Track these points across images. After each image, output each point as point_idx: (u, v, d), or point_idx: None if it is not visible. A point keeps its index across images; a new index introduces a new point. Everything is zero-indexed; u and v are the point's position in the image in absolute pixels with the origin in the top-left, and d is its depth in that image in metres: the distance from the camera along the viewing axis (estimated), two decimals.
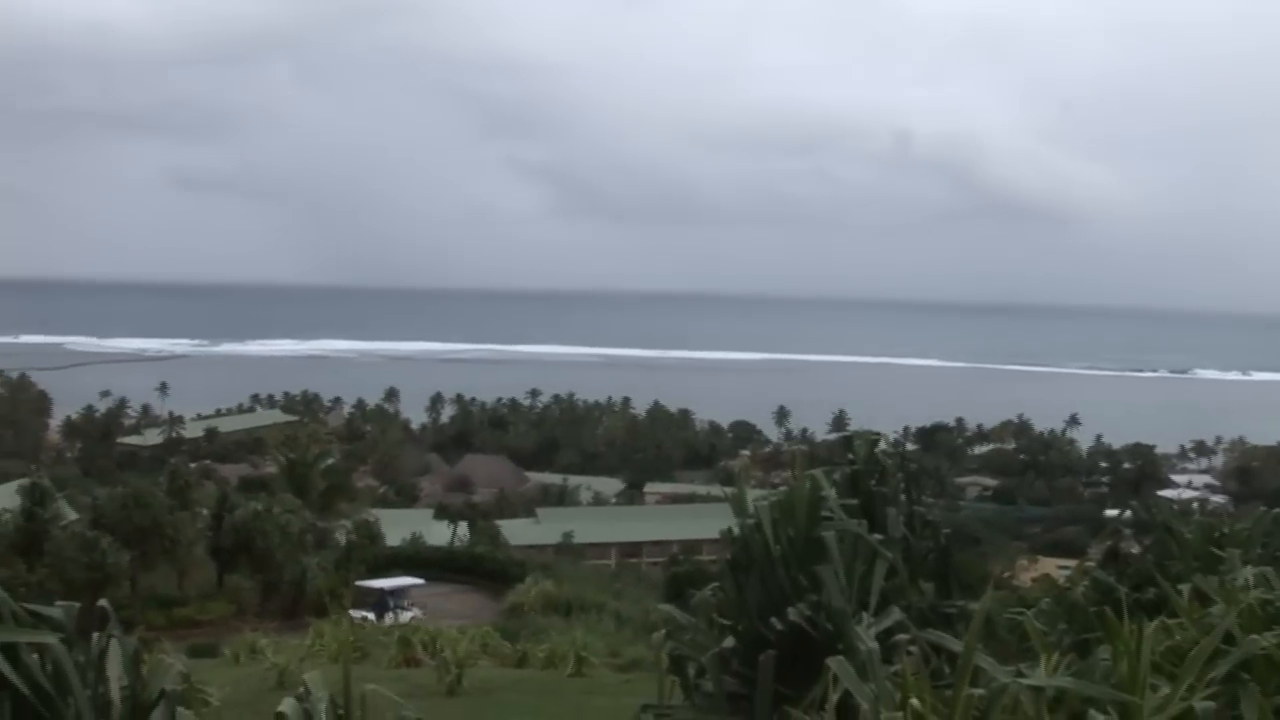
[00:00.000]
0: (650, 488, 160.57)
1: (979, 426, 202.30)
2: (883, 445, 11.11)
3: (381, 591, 62.36)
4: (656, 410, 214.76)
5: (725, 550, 10.27)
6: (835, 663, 7.29)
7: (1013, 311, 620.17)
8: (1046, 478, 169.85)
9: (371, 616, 57.32)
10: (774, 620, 8.70)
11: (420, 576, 68.55)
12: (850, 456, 10.87)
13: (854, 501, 9.90)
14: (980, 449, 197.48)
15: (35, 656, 6.04)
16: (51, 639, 6.07)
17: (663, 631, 9.93)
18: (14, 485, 70.81)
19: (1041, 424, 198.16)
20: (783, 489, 9.70)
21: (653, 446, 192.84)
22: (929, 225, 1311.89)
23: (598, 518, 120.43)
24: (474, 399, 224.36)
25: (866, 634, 7.96)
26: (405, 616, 57.28)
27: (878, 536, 9.34)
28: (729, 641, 9.20)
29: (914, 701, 6.86)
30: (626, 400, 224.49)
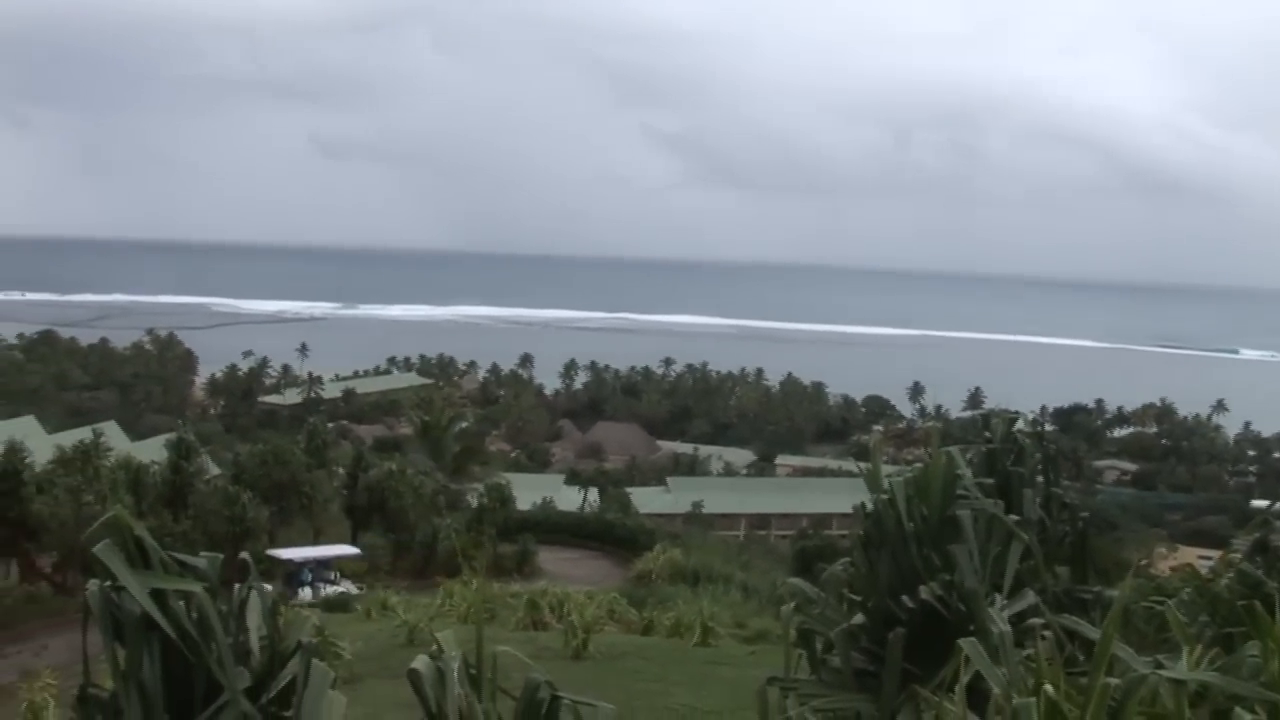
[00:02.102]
0: (781, 460, 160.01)
1: (1119, 409, 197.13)
2: (1020, 425, 10.90)
3: (291, 564, 55.94)
4: (790, 382, 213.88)
5: (856, 525, 10.16)
6: (967, 644, 7.18)
7: (1160, 291, 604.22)
8: (1189, 464, 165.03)
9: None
10: (905, 598, 8.60)
11: (547, 541, 68.67)
12: (987, 435, 10.68)
13: (990, 481, 9.74)
14: (1120, 432, 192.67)
15: (182, 603, 6.22)
16: (197, 588, 6.25)
17: (791, 605, 9.88)
18: (161, 439, 73.03)
19: (1186, 409, 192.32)
20: (917, 466, 9.54)
21: (785, 419, 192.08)
22: (1074, 201, 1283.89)
23: (727, 488, 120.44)
24: (607, 366, 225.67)
25: (999, 616, 7.83)
26: (333, 591, 54.26)
27: (1013, 517, 9.17)
28: (858, 618, 9.12)
29: (1047, 688, 6.70)
30: (760, 372, 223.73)
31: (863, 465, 10.07)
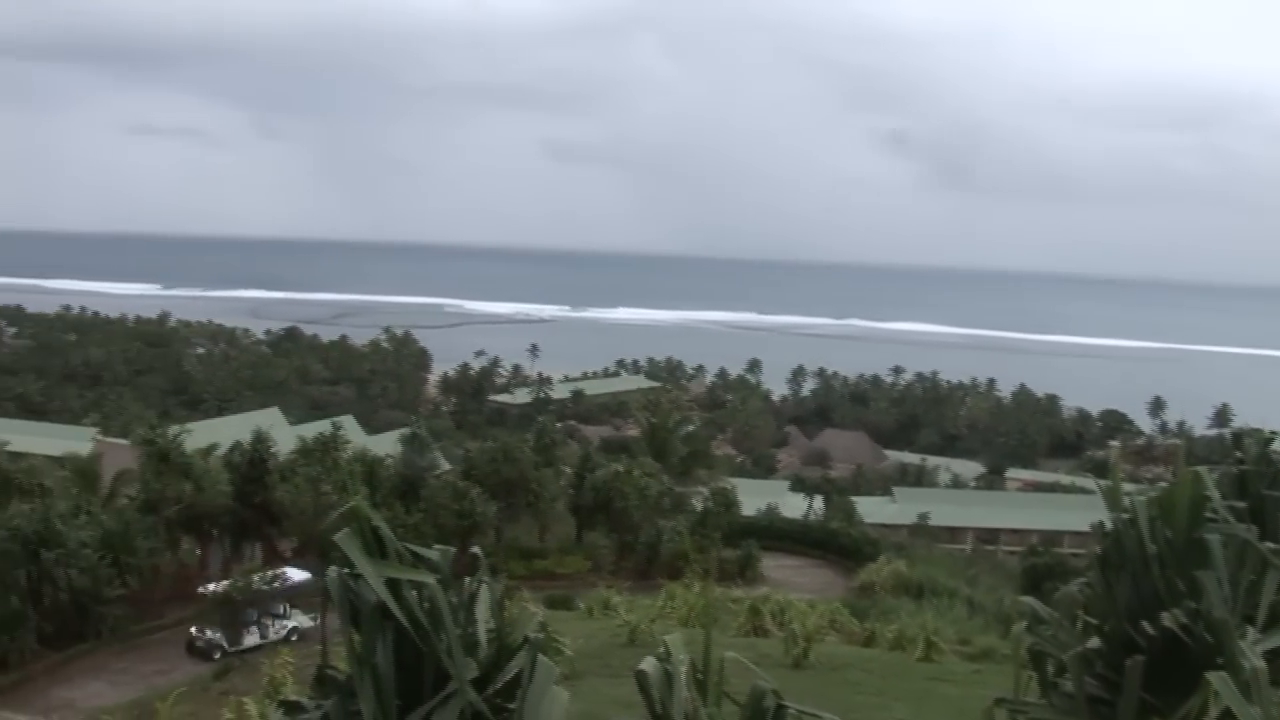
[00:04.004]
0: (1011, 473, 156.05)
1: None
2: (1277, 445, 10.30)
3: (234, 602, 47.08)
4: (1022, 394, 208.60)
5: (1093, 544, 9.76)
6: (1216, 678, 6.80)
7: None
8: None
9: (211, 637, 46.09)
10: (1145, 624, 8.20)
11: (770, 548, 68.18)
12: (1238, 455, 10.13)
13: (1242, 504, 9.23)
14: None
15: (414, 593, 6.38)
16: (430, 579, 6.40)
17: (1022, 624, 9.56)
18: (396, 434, 75.46)
19: None
20: (1160, 485, 9.10)
21: (1016, 431, 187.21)
22: None
23: (955, 500, 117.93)
24: (835, 373, 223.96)
25: (1252, 650, 7.39)
26: (283, 628, 47.90)
27: (1269, 545, 8.65)
28: (1094, 641, 8.74)
29: None
30: (991, 382, 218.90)
31: (1101, 482, 9.66)
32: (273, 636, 46.72)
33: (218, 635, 46.19)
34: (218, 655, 45.23)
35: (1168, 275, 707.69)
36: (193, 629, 46.81)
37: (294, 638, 46.91)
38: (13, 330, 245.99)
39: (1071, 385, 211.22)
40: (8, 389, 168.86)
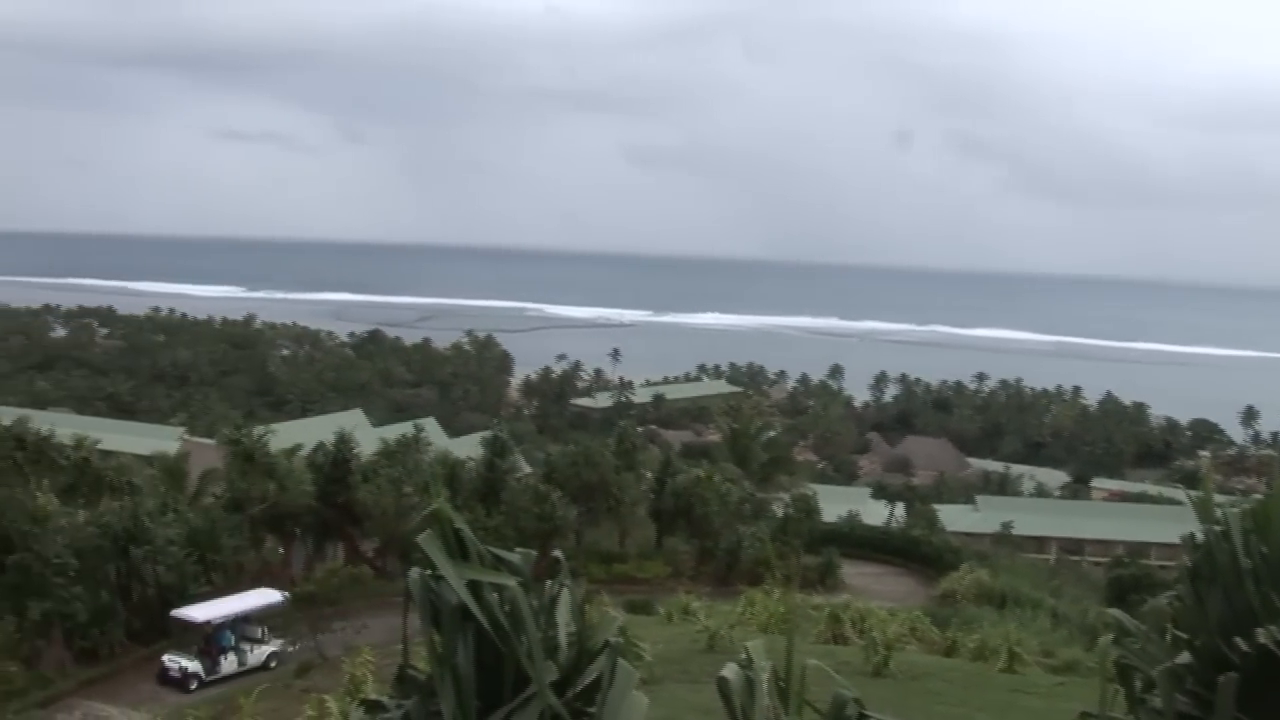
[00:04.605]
0: (1097, 483, 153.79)
1: None
2: None
3: (209, 626, 44.09)
4: (1109, 402, 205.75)
5: (1181, 557, 9.56)
6: None
7: None
8: None
9: (186, 666, 42.98)
10: (1239, 640, 8.01)
11: (850, 555, 67.77)
12: None
13: None
14: None
15: (495, 595, 6.40)
16: (511, 582, 6.41)
17: (1109, 637, 9.38)
18: (477, 436, 76.06)
19: None
20: (1255, 496, 8.88)
21: (1102, 440, 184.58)
22: None
23: (1039, 510, 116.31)
24: (918, 380, 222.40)
25: None
26: (260, 655, 45.51)
27: None
28: (1184, 657, 8.54)
29: None
30: (1077, 390, 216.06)
31: (1191, 493, 9.46)
32: (251, 663, 44.70)
33: (194, 664, 43.24)
34: (194, 686, 42.52)
35: (1258, 281, 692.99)
36: (164, 658, 43.55)
37: (273, 664, 45.08)
38: (104, 331, 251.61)
39: (1159, 393, 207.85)
40: (99, 389, 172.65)
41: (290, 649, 45.83)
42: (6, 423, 57.01)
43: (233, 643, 44.99)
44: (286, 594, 47.88)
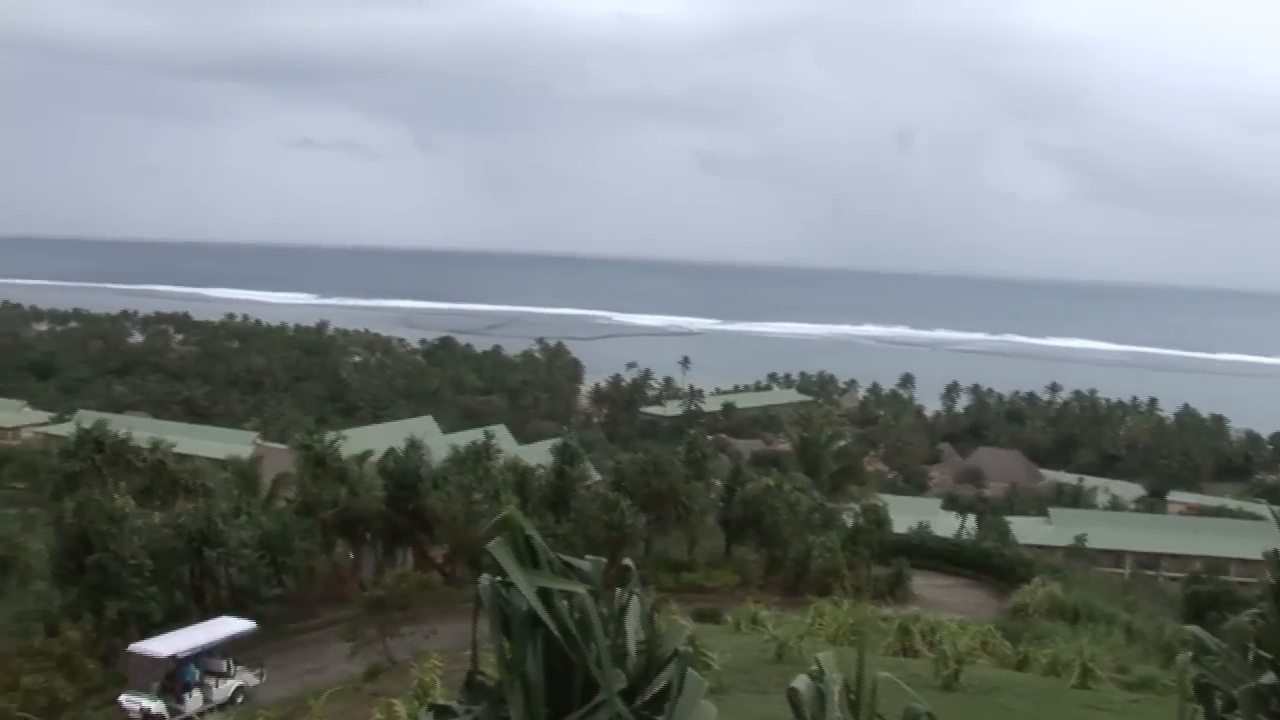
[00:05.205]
0: (1173, 496, 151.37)
1: None
2: None
3: (172, 662, 40.82)
4: (1186, 414, 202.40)
5: (1263, 573, 9.36)
6: None
7: None
8: None
9: (148, 707, 39.42)
10: None
11: (921, 566, 67.12)
12: None
13: None
14: None
15: (565, 602, 6.38)
16: (581, 589, 6.39)
17: (1188, 654, 9.20)
18: (547, 444, 76.25)
19: None
20: None
21: (1179, 453, 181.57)
22: None
23: (1114, 523, 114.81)
24: (990, 390, 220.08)
25: None
26: (226, 690, 42.34)
27: None
28: (1268, 676, 8.36)
29: None
30: (1153, 401, 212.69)
31: (1273, 508, 9.26)
32: (217, 699, 41.59)
33: (155, 704, 39.64)
34: None
35: None
36: (122, 698, 40.14)
37: (240, 699, 42.01)
38: (180, 337, 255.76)
39: (1239, 406, 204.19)
40: (175, 393, 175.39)
41: (258, 681, 43.21)
42: (86, 426, 58.04)
43: (197, 678, 41.73)
44: (253, 623, 44.95)
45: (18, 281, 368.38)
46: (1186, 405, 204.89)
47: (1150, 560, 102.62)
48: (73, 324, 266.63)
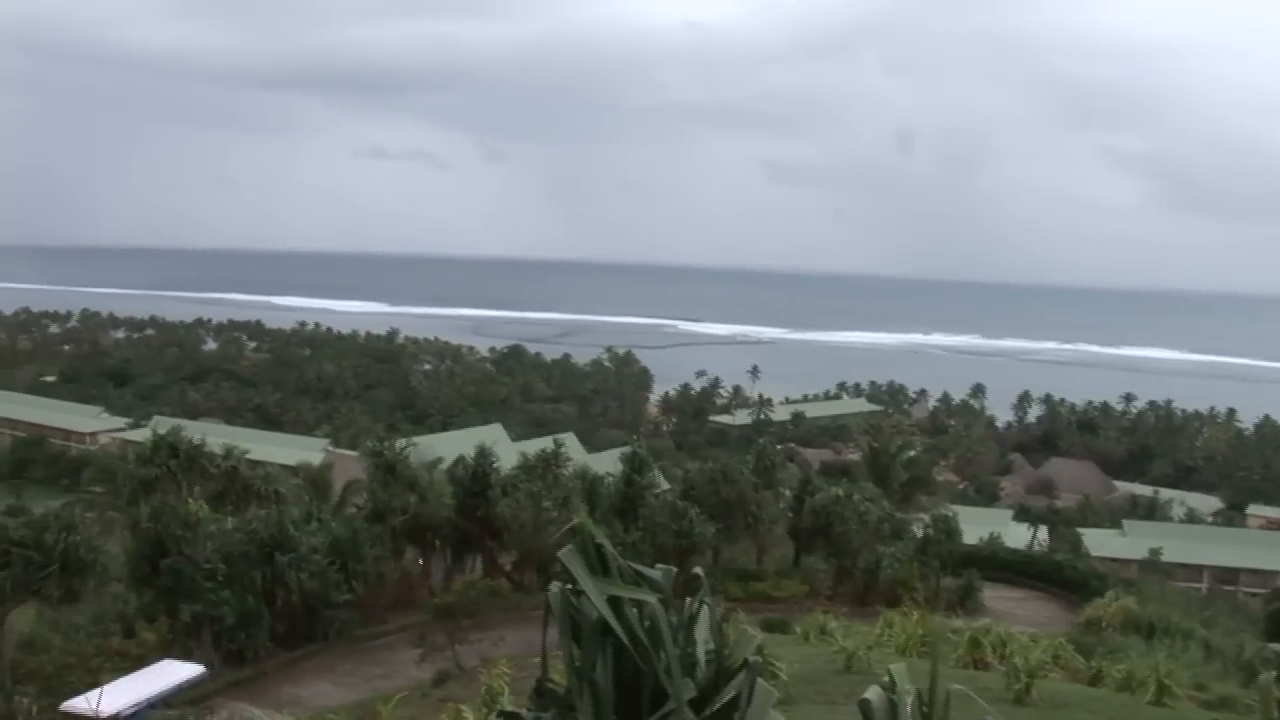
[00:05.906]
0: (1253, 510, 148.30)
1: None
2: None
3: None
4: (1266, 425, 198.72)
5: None
6: None
7: None
8: None
9: None
10: None
11: (991, 578, 66.34)
12: None
13: None
14: None
15: (635, 611, 6.35)
16: (652, 598, 6.36)
17: (1271, 673, 9.00)
18: (616, 452, 76.36)
19: None
20: None
21: (1259, 465, 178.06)
22: None
23: (1190, 536, 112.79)
24: (1062, 400, 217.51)
25: None
26: None
27: None
28: None
29: None
30: (1231, 412, 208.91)
31: None
32: None
33: None
34: None
35: None
36: None
37: None
38: (252, 345, 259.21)
39: None
40: (247, 400, 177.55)
41: None
42: (162, 432, 58.85)
43: None
44: (206, 667, 40.25)
45: (97, 290, 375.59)
46: (1266, 416, 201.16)
47: (1229, 575, 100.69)
48: (149, 332, 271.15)
